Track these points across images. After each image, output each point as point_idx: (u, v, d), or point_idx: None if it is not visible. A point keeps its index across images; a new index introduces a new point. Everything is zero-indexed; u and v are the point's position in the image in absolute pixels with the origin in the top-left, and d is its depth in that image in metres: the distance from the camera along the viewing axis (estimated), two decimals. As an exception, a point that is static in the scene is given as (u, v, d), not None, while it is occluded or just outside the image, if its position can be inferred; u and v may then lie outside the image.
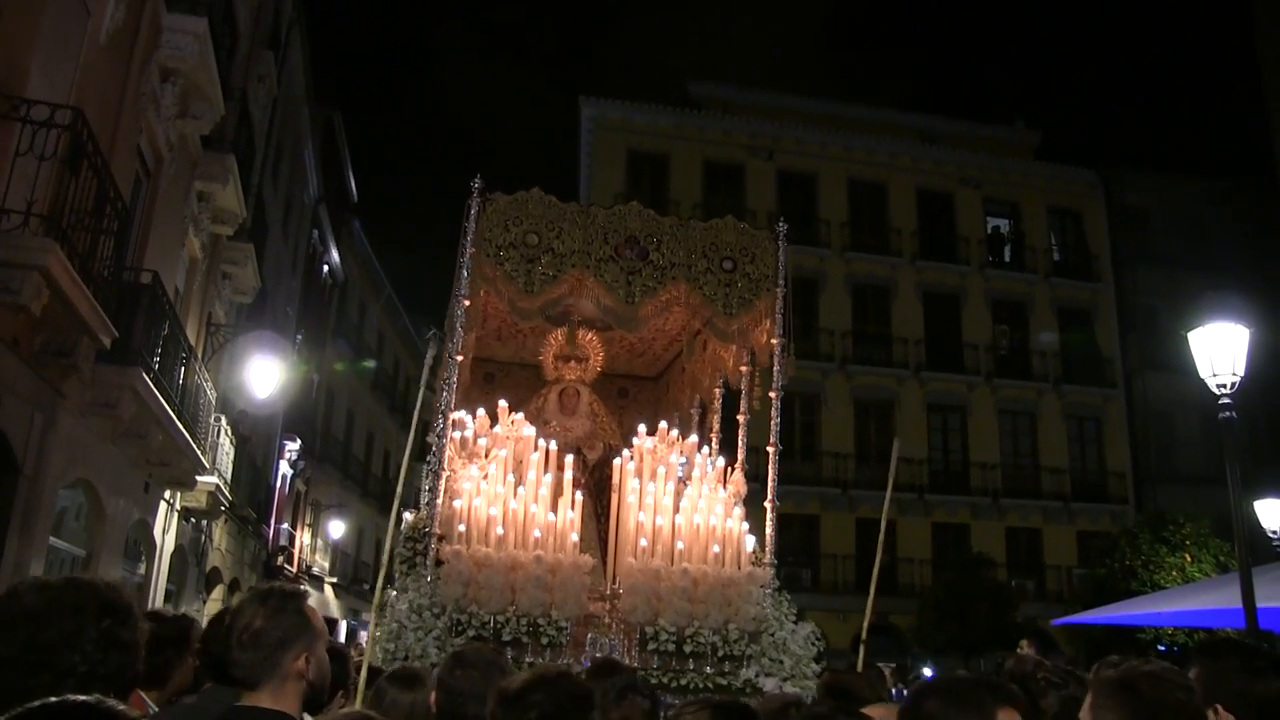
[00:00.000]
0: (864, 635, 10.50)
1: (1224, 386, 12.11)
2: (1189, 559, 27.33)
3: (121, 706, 1.75)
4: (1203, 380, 12.38)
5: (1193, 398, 25.18)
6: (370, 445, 46.91)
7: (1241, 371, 12.15)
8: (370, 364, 45.37)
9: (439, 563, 9.69)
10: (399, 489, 12.59)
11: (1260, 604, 11.45)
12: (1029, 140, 46.38)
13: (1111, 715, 3.16)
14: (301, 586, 3.90)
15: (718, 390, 12.99)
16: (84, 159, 10.41)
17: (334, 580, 40.74)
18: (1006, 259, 43.44)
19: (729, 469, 11.45)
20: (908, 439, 38.51)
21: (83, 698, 1.81)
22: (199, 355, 18.46)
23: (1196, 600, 14.70)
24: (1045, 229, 43.70)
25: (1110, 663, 3.35)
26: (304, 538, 37.85)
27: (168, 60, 14.64)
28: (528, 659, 8.85)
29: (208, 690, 4.49)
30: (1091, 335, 42.00)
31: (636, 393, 14.44)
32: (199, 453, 17.55)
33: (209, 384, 18.77)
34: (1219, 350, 12.24)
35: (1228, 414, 12.02)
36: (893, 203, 42.28)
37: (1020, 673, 3.92)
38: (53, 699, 1.74)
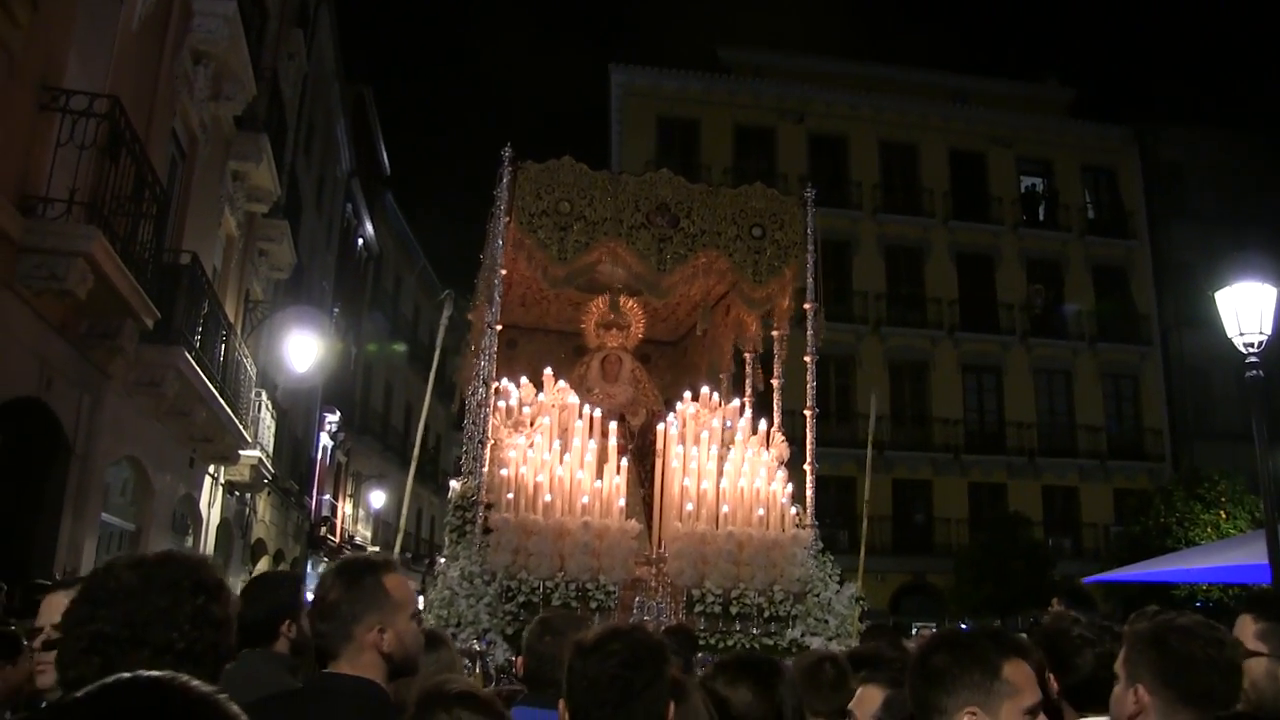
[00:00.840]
0: (860, 593, 10.64)
1: (1251, 345, 12.16)
2: (1224, 516, 27.35)
3: (193, 682, 1.67)
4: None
5: (1230, 354, 24.84)
6: (409, 416, 47.13)
7: (1269, 330, 12.21)
8: (401, 347, 45.51)
9: (488, 530, 9.82)
10: (416, 449, 12.81)
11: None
12: (1062, 97, 45.79)
13: (1143, 669, 3.17)
14: (391, 557, 3.89)
15: (749, 355, 13.08)
16: (122, 146, 10.59)
17: (376, 549, 41.12)
18: (1040, 218, 43.01)
19: (770, 433, 11.54)
20: (943, 399, 38.78)
21: (155, 674, 1.70)
22: (238, 332, 18.77)
23: (1225, 556, 14.78)
24: (1079, 187, 43.21)
25: (1146, 614, 3.35)
26: (346, 508, 38.26)
27: (199, 43, 14.83)
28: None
29: (244, 654, 4.52)
30: (1127, 293, 41.70)
31: (658, 358, 14.57)
32: (241, 428, 17.88)
33: (249, 360, 19.09)
34: (1246, 309, 12.28)
35: (1255, 373, 12.10)
36: (924, 163, 41.89)
37: (1055, 629, 3.89)
38: (125, 674, 1.64)
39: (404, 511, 13.85)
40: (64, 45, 10.45)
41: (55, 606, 4.04)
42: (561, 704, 3.16)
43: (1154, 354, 40.97)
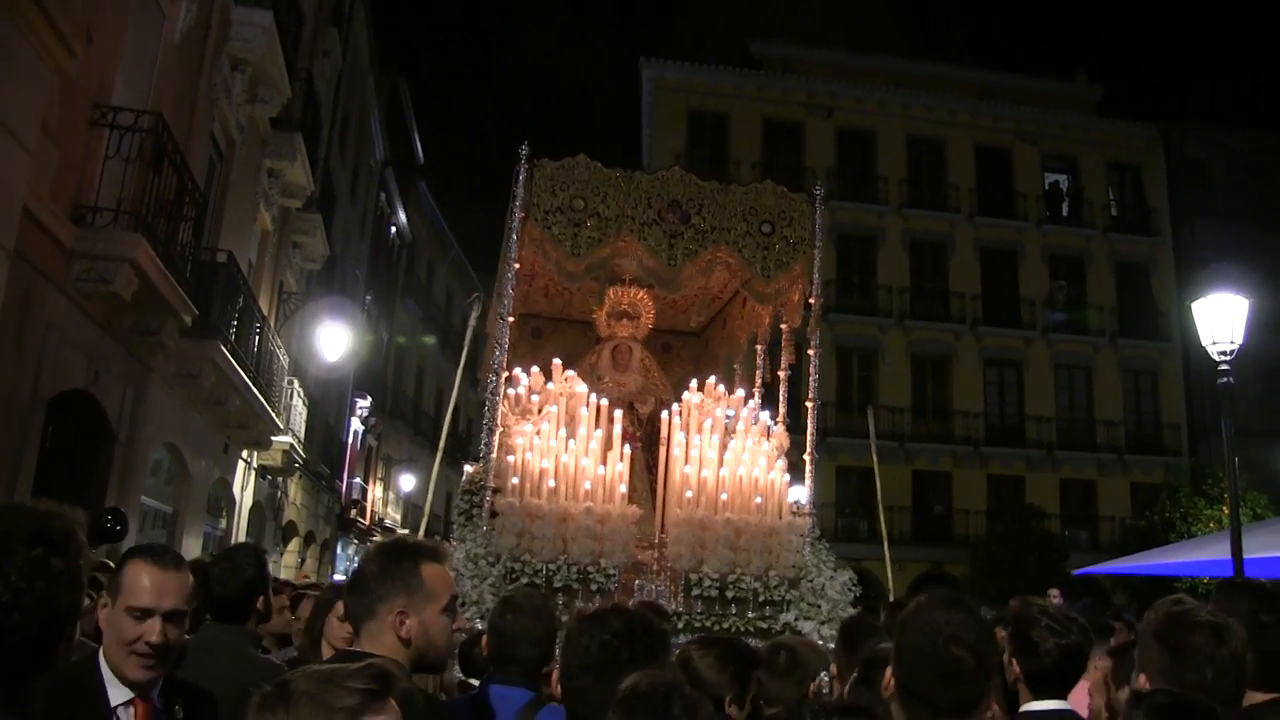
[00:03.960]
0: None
1: (1225, 354, 12.84)
2: (1226, 510, 27.76)
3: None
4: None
5: (1248, 351, 24.59)
6: (439, 401, 47.34)
7: (1240, 340, 12.88)
8: (431, 340, 45.90)
9: (494, 514, 10.22)
10: (443, 439, 13.28)
11: (1267, 553, 12.08)
12: (1090, 94, 45.95)
13: (1147, 659, 3.40)
14: (442, 545, 3.97)
15: (760, 346, 13.47)
16: (165, 158, 11.37)
17: (405, 532, 41.55)
18: (1064, 214, 43.29)
19: (770, 424, 11.93)
20: (964, 392, 39.09)
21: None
22: (272, 323, 19.42)
23: (1205, 551, 15.19)
24: (1104, 184, 43.52)
25: (1162, 604, 3.51)
26: (376, 491, 38.76)
27: (237, 51, 15.49)
28: (578, 604, 9.32)
29: (206, 626, 4.77)
30: (1148, 289, 42.03)
31: (680, 348, 14.81)
32: (273, 415, 18.55)
33: (282, 350, 19.76)
34: (1219, 320, 12.95)
35: (1226, 379, 12.78)
36: (951, 159, 42.28)
37: (1024, 617, 3.86)
38: None
39: (430, 494, 14.32)
40: (113, 65, 11.19)
41: None
42: (555, 671, 3.39)
43: (1173, 350, 41.15)
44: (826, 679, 5.87)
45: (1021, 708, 3.72)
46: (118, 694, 3.54)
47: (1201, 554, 15.12)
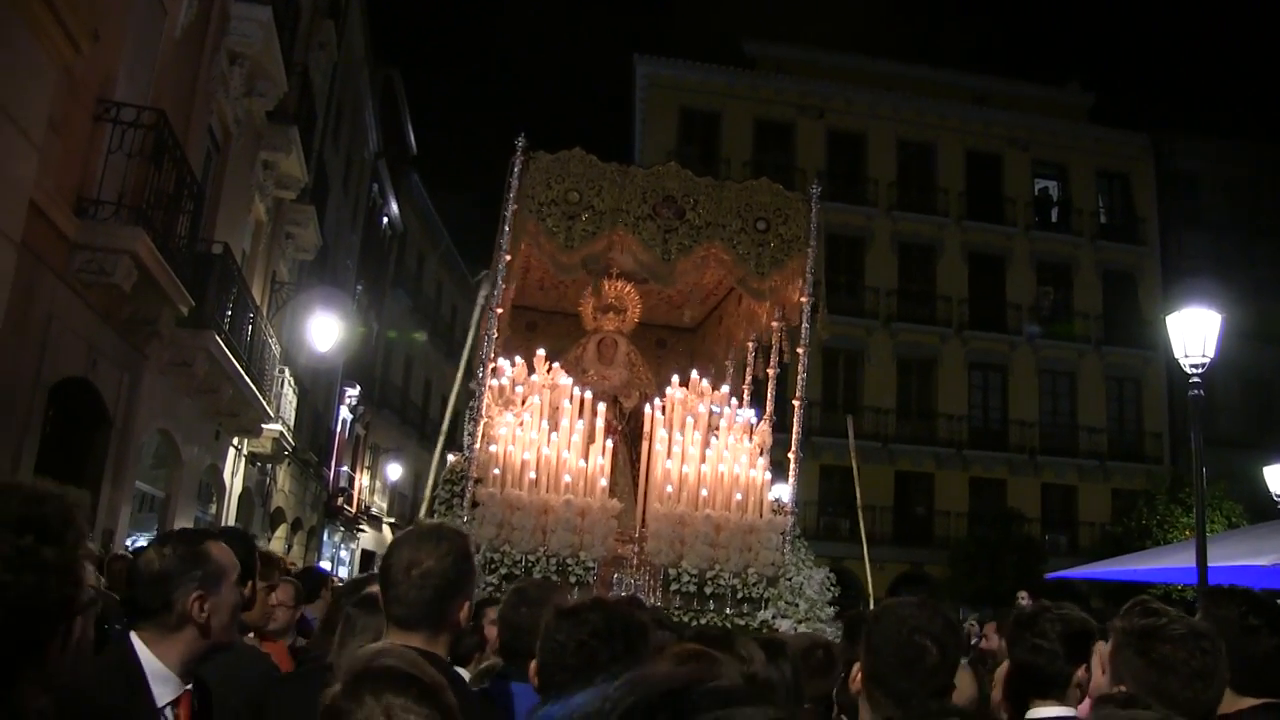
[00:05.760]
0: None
1: (1196, 367, 13.12)
2: (1204, 517, 28.04)
3: None
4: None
5: (1232, 362, 24.32)
6: (428, 391, 47.78)
7: (1212, 353, 13.16)
8: (421, 336, 45.93)
9: (475, 504, 10.32)
10: (444, 429, 13.35)
11: (1241, 561, 12.28)
12: (1082, 102, 46.03)
13: (1126, 670, 3.27)
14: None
15: (750, 344, 13.58)
16: (165, 153, 11.66)
17: (391, 520, 41.56)
18: (1053, 220, 43.45)
19: (757, 421, 12.01)
20: (949, 395, 39.18)
21: None
22: (264, 313, 19.67)
23: (1175, 559, 15.37)
24: (1093, 191, 43.63)
25: (1135, 613, 3.40)
26: (363, 479, 38.85)
27: (235, 46, 15.79)
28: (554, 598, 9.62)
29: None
30: (1135, 298, 42.20)
31: (675, 343, 14.83)
32: (264, 403, 18.77)
33: (274, 339, 19.98)
34: (1192, 334, 13.23)
35: (1197, 393, 13.03)
36: (941, 163, 42.41)
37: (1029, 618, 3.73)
38: None
39: (431, 480, 14.24)
40: (116, 61, 11.47)
41: None
42: (532, 664, 3.28)
43: (1157, 359, 40.70)
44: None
45: (1028, 714, 3.64)
46: (163, 692, 3.23)
47: (1171, 561, 15.34)
